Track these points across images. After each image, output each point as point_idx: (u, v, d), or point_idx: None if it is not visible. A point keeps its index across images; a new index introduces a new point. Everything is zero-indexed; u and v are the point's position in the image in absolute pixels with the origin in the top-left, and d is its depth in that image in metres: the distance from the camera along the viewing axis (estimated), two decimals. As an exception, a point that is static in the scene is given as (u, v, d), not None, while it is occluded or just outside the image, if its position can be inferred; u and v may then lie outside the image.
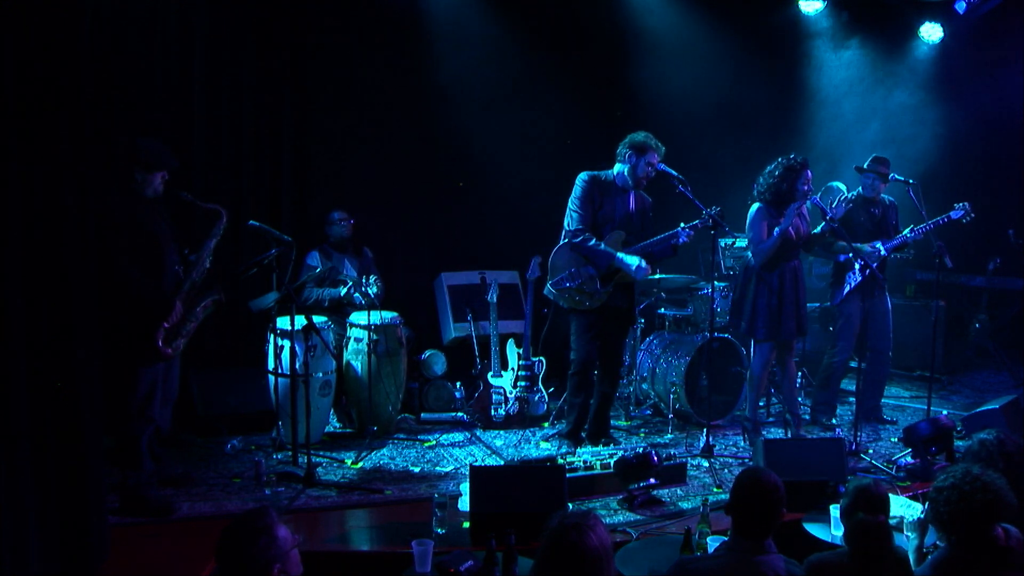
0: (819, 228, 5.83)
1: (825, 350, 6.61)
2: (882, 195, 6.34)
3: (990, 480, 3.04)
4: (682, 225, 5.65)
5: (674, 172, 5.57)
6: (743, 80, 7.88)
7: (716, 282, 6.10)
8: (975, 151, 8.75)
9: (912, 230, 6.11)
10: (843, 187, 6.26)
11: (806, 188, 5.67)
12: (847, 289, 6.20)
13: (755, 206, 5.77)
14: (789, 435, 5.89)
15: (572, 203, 5.66)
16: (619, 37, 7.62)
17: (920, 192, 6.18)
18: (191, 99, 6.21)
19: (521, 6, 7.38)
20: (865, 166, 6.29)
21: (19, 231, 3.33)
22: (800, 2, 7.93)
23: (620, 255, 5.57)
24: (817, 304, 6.60)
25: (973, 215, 6.07)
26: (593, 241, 5.58)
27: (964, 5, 8.04)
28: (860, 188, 6.33)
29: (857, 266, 6.12)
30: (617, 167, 5.68)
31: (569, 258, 5.64)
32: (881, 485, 3.45)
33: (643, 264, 5.57)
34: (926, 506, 3.24)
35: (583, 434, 5.89)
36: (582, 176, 5.66)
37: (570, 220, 5.64)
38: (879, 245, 6.08)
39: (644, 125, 5.79)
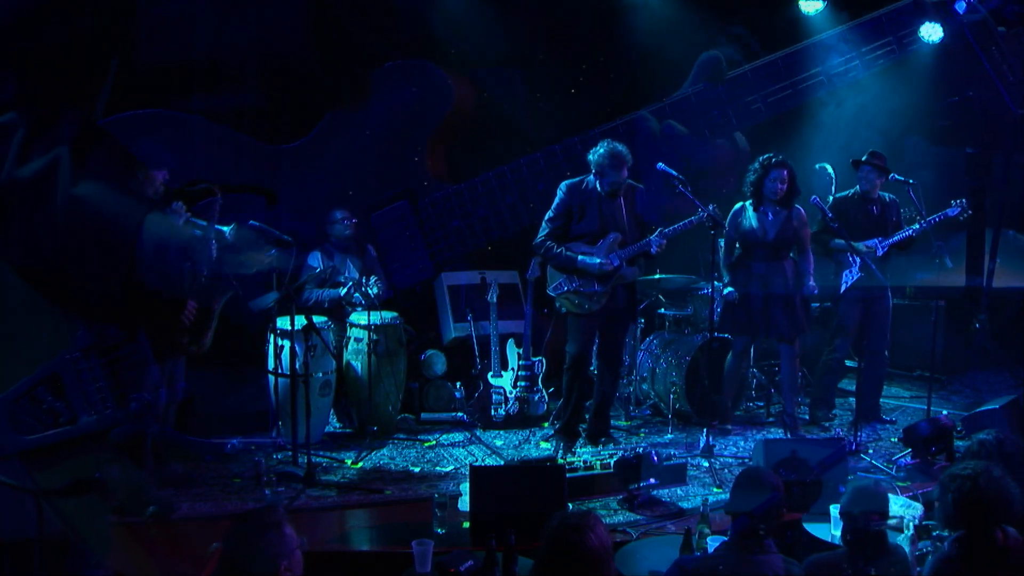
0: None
1: (823, 348, 6.61)
2: (881, 193, 6.34)
3: (1006, 484, 3.04)
4: (659, 229, 5.66)
5: (674, 172, 5.57)
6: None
7: (716, 282, 6.10)
8: (974, 151, 8.74)
9: (913, 229, 6.14)
10: (829, 168, 6.28)
11: (780, 187, 5.80)
12: (843, 287, 6.21)
13: (736, 206, 5.90)
14: (788, 436, 5.90)
15: (546, 214, 5.70)
16: (617, 34, 7.61)
17: (920, 192, 6.19)
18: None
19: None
20: (863, 159, 6.30)
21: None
22: (800, 2, 7.92)
23: (581, 258, 5.58)
24: (817, 304, 6.64)
25: (970, 212, 6.10)
26: (556, 249, 5.59)
27: (964, 5, 8.02)
28: (858, 186, 6.34)
29: (856, 265, 6.12)
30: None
31: None
32: (882, 485, 3.45)
33: (604, 262, 5.55)
34: (936, 497, 3.21)
35: (581, 433, 5.89)
36: (561, 186, 5.68)
37: (539, 232, 5.69)
38: (875, 243, 6.11)
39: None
